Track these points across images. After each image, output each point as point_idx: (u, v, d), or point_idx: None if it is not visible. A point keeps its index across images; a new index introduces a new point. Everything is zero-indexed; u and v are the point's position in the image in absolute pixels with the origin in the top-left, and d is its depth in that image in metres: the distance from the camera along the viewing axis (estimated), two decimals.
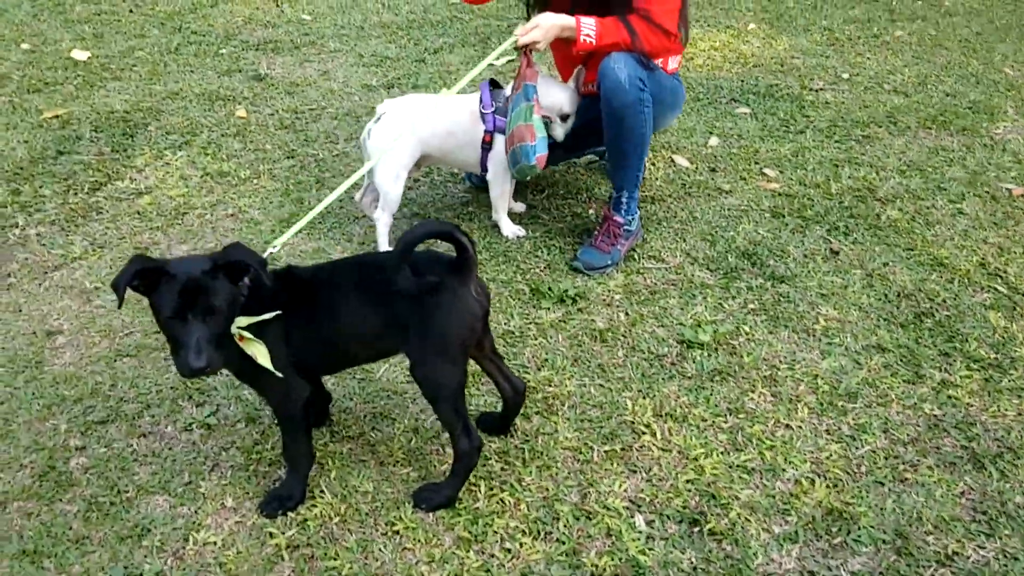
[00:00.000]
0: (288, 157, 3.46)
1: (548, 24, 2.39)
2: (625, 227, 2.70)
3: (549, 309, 2.51)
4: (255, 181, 3.25)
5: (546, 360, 2.31)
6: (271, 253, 1.84)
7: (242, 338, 1.69)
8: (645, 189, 3.18)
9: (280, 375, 1.71)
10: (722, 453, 2.04)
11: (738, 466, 2.01)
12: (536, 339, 2.39)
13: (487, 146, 2.70)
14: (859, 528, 1.86)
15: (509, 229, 2.88)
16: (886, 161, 3.37)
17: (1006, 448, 2.06)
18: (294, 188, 3.20)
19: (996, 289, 2.62)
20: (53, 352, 2.34)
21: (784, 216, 2.98)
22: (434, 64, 4.48)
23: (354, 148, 3.52)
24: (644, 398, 2.20)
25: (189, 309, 1.56)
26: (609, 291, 2.60)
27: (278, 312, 1.72)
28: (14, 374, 2.25)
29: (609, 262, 2.66)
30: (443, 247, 1.80)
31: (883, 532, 1.85)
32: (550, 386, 2.22)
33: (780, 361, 2.33)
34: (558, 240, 2.86)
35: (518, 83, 2.51)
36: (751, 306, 2.54)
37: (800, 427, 2.13)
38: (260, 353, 1.70)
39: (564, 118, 2.65)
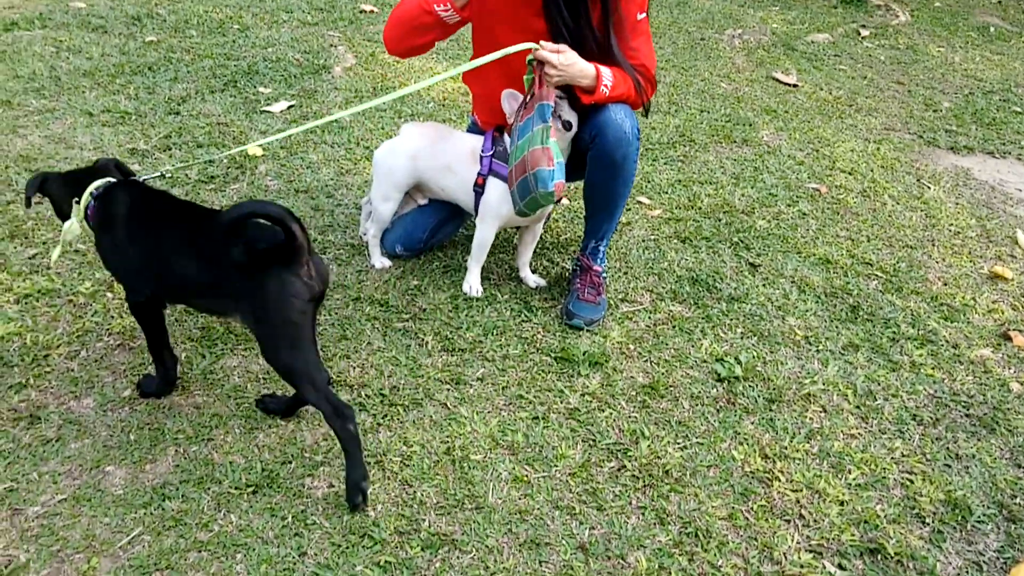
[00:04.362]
0: None
1: (574, 61, 2.24)
2: (603, 275, 2.63)
3: (588, 376, 2.35)
4: (108, 296, 2.47)
5: (634, 431, 2.17)
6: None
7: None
8: (558, 234, 3.12)
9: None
10: (835, 477, 2.13)
11: (856, 486, 2.12)
12: (604, 410, 2.23)
13: (479, 189, 2.54)
14: (971, 511, 2.08)
15: (473, 282, 2.67)
16: (715, 176, 3.74)
17: (993, 408, 2.47)
18: None
19: (876, 275, 3.10)
20: None
21: (691, 240, 3.15)
22: (194, 116, 3.81)
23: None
24: (741, 444, 2.19)
25: None
26: (618, 343, 2.52)
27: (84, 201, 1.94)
28: None
29: (602, 313, 2.58)
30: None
31: (988, 508, 2.11)
32: (660, 458, 2.10)
33: (801, 377, 2.48)
34: (529, 298, 2.68)
35: (531, 104, 2.29)
36: (739, 330, 2.66)
37: (861, 434, 2.31)
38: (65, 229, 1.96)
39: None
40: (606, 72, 2.28)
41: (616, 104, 2.35)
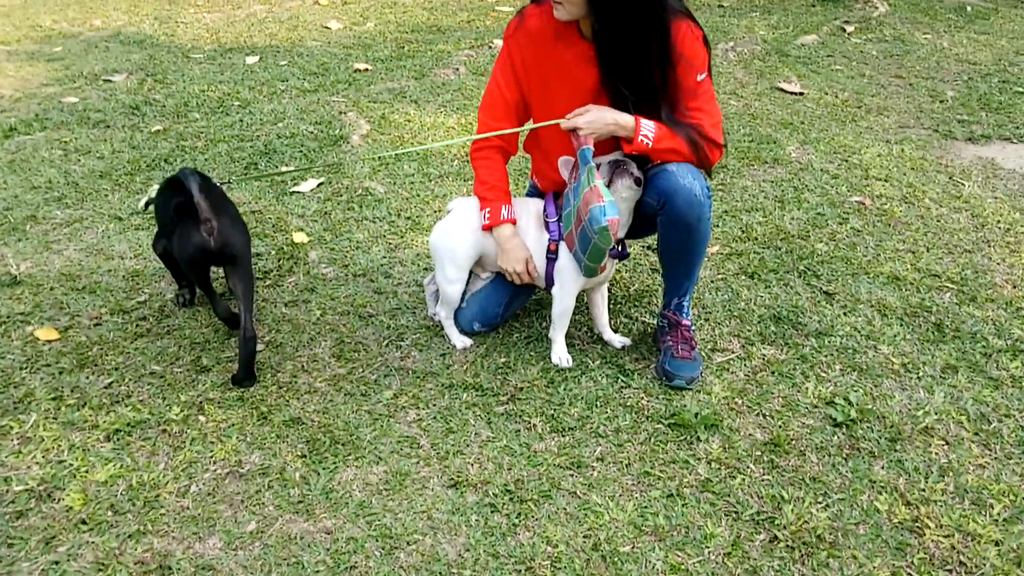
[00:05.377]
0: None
1: (599, 116, 2.26)
2: (692, 328, 2.59)
3: (707, 440, 2.30)
4: (201, 419, 2.39)
5: (773, 496, 2.12)
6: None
7: None
8: (626, 287, 3.07)
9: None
10: (981, 515, 2.09)
11: (1004, 521, 2.08)
12: (735, 477, 2.18)
13: (552, 255, 2.50)
14: None
15: (561, 353, 2.61)
16: (759, 202, 3.72)
17: None
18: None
19: (947, 287, 3.08)
20: None
21: (759, 274, 3.12)
22: None
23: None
24: (880, 493, 2.14)
25: None
26: (724, 399, 2.47)
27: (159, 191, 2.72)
28: None
29: (699, 368, 2.53)
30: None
31: None
32: (807, 522, 2.04)
33: (913, 409, 2.45)
34: (620, 360, 2.63)
35: (576, 163, 2.36)
36: (837, 367, 2.62)
37: (989, 463, 2.27)
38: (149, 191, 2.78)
39: None
40: (647, 124, 2.26)
41: (682, 167, 2.31)
